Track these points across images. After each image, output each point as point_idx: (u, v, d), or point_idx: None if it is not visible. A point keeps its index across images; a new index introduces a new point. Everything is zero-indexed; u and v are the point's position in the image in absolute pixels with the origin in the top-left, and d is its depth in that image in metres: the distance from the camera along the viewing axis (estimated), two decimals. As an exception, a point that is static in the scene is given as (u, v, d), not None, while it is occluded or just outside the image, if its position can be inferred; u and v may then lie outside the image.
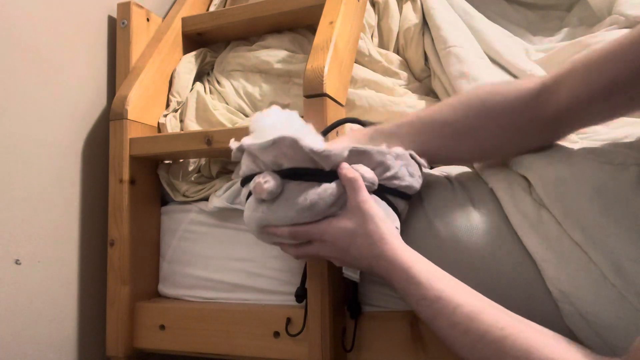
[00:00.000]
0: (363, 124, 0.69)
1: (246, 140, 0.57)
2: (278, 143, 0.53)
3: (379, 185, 0.55)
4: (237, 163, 0.65)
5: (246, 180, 0.59)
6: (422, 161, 0.60)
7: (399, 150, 0.57)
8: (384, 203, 0.56)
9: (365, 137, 0.63)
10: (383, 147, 0.57)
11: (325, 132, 0.67)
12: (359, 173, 0.54)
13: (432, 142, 0.60)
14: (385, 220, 0.53)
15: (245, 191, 0.60)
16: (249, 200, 0.58)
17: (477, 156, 0.64)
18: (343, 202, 0.54)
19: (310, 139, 0.59)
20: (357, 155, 0.55)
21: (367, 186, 0.54)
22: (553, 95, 0.53)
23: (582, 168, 0.56)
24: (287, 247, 0.60)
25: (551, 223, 0.55)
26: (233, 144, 0.59)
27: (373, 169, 0.55)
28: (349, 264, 0.56)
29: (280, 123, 0.59)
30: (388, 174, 0.56)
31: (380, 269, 0.51)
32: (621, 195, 0.53)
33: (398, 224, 0.57)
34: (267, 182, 0.53)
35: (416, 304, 0.48)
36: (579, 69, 0.51)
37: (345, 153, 0.54)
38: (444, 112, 0.60)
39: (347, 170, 0.54)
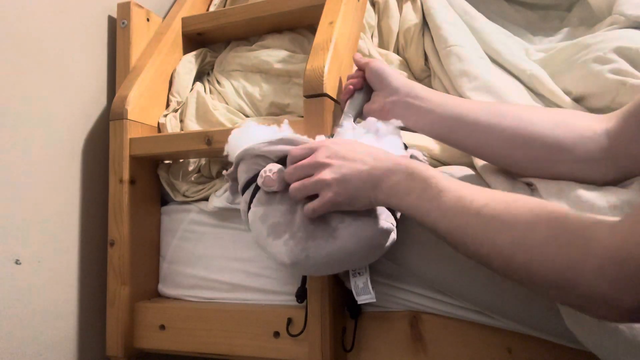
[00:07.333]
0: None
1: (258, 145, 0.59)
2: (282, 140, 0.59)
3: None
4: None
5: (246, 187, 0.60)
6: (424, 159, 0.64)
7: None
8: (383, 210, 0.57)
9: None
10: None
11: None
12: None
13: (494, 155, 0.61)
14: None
15: (244, 205, 0.60)
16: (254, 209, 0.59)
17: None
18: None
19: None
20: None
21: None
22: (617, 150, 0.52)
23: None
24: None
25: (551, 223, 0.54)
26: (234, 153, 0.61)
27: None
28: (355, 175, 0.51)
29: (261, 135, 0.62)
30: None
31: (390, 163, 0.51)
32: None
33: (393, 220, 0.57)
34: (271, 170, 0.56)
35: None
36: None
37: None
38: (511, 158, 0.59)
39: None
